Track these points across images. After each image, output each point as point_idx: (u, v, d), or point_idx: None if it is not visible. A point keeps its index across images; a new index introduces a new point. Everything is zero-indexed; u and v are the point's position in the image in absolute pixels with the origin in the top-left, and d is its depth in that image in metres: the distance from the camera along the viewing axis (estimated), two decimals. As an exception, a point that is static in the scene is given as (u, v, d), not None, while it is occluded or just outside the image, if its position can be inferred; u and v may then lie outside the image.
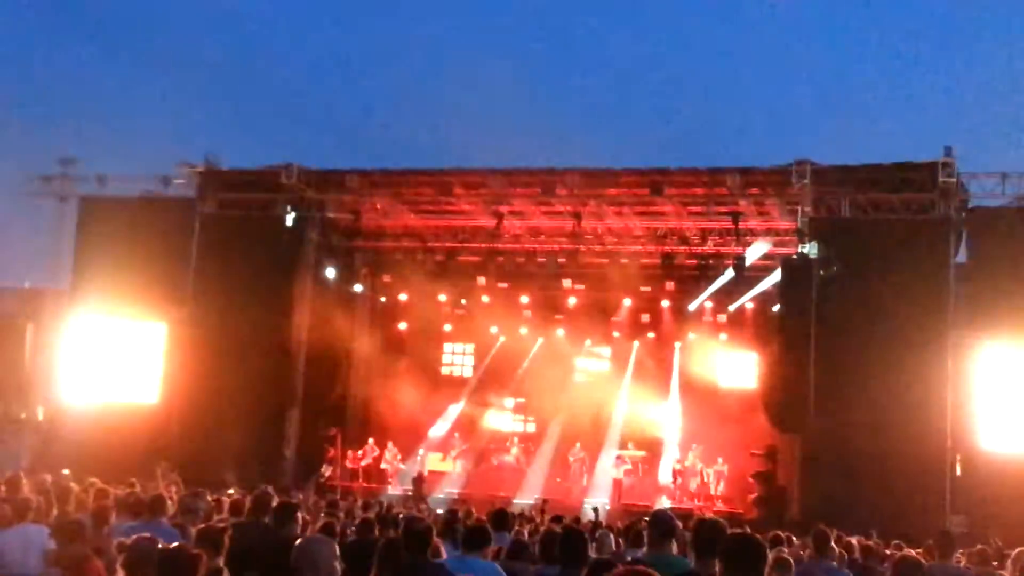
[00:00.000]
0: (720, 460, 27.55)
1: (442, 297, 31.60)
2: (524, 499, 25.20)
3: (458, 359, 34.19)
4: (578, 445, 28.90)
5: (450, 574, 7.01)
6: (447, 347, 34.14)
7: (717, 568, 5.73)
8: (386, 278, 31.46)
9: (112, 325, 28.63)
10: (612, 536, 11.64)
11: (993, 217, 24.29)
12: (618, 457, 28.36)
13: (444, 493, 26.86)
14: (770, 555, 6.09)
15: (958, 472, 23.04)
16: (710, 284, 28.21)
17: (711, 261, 27.95)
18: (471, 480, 28.62)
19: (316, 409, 28.93)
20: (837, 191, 24.96)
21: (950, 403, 23.06)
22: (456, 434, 30.36)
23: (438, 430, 30.72)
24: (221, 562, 7.11)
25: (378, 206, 29.09)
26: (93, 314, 28.61)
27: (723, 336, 30.31)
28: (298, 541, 7.30)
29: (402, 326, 32.77)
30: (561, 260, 28.75)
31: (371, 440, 30.10)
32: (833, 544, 10.82)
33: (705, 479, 27.61)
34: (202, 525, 8.24)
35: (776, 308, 26.03)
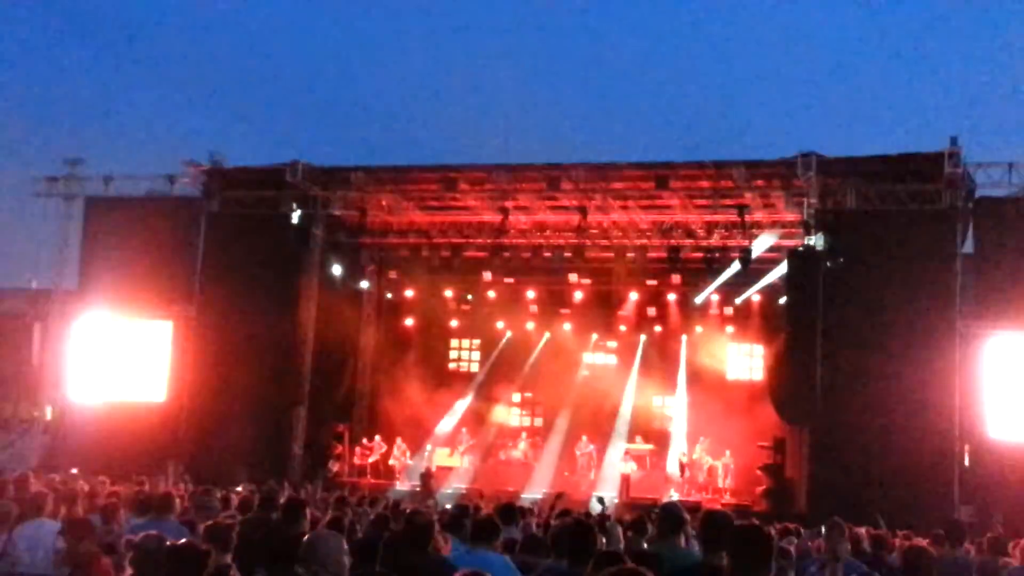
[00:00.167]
0: (728, 453, 27.53)
1: (448, 293, 31.61)
2: (532, 493, 25.20)
3: (465, 354, 34.19)
4: (584, 439, 28.89)
5: (452, 569, 7.00)
6: (454, 343, 34.15)
7: (724, 560, 5.72)
8: (392, 274, 31.48)
9: (119, 324, 28.71)
10: (620, 528, 11.63)
11: (1000, 207, 24.25)
12: (625, 451, 28.35)
13: (452, 488, 26.87)
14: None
15: (966, 462, 23.02)
16: (716, 277, 28.16)
17: (717, 254, 27.88)
18: (479, 475, 28.62)
19: (323, 406, 28.95)
20: (843, 183, 24.91)
21: (958, 393, 23.04)
22: (463, 429, 30.36)
23: (445, 426, 30.72)
24: (229, 558, 7.13)
25: (383, 203, 29.09)
26: (100, 313, 28.69)
27: (730, 329, 30.28)
28: (306, 536, 7.31)
29: (408, 322, 32.78)
30: (567, 255, 28.71)
31: (378, 436, 30.12)
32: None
33: (713, 472, 27.58)
34: (210, 522, 8.26)
35: (783, 300, 25.99)
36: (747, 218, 26.20)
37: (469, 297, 31.50)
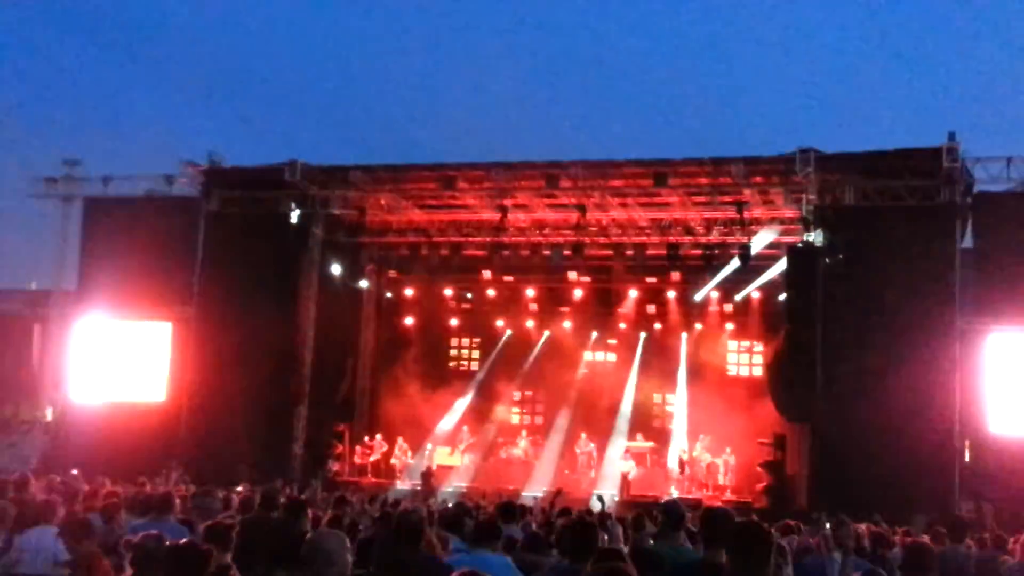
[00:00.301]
0: (728, 450, 27.53)
1: (448, 292, 31.62)
2: (533, 492, 25.20)
3: (465, 353, 34.20)
4: (584, 436, 28.87)
5: (444, 567, 7.00)
6: (453, 341, 34.16)
7: (724, 557, 5.73)
8: (391, 274, 31.49)
9: (119, 325, 28.71)
10: (620, 526, 11.64)
11: (999, 202, 24.24)
12: (626, 448, 28.35)
13: (453, 487, 26.88)
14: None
15: (967, 458, 23.02)
16: (716, 274, 28.17)
17: (716, 251, 27.87)
18: (479, 474, 28.63)
19: (323, 405, 28.97)
20: (842, 179, 24.89)
21: (958, 389, 23.04)
22: (464, 428, 30.36)
23: (446, 424, 30.71)
24: (229, 558, 7.13)
25: (382, 202, 29.08)
26: (100, 314, 28.69)
27: (729, 326, 30.30)
28: (308, 535, 7.31)
29: (408, 321, 32.80)
30: (566, 252, 28.70)
31: (379, 435, 30.14)
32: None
33: (713, 469, 27.59)
34: (210, 521, 8.27)
35: (782, 297, 26.00)
36: (746, 215, 26.19)
37: (468, 296, 31.53)
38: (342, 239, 29.79)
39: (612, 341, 32.26)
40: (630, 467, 27.35)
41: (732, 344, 31.10)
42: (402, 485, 27.39)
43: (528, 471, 28.18)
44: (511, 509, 11.23)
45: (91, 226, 29.68)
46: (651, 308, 30.50)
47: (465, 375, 33.17)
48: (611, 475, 27.56)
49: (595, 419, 29.76)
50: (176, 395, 27.77)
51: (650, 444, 28.82)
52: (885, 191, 24.64)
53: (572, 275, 29.51)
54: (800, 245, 25.13)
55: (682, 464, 27.89)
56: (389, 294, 32.28)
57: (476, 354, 33.86)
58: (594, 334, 32.01)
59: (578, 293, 30.36)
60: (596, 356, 32.49)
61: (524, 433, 30.44)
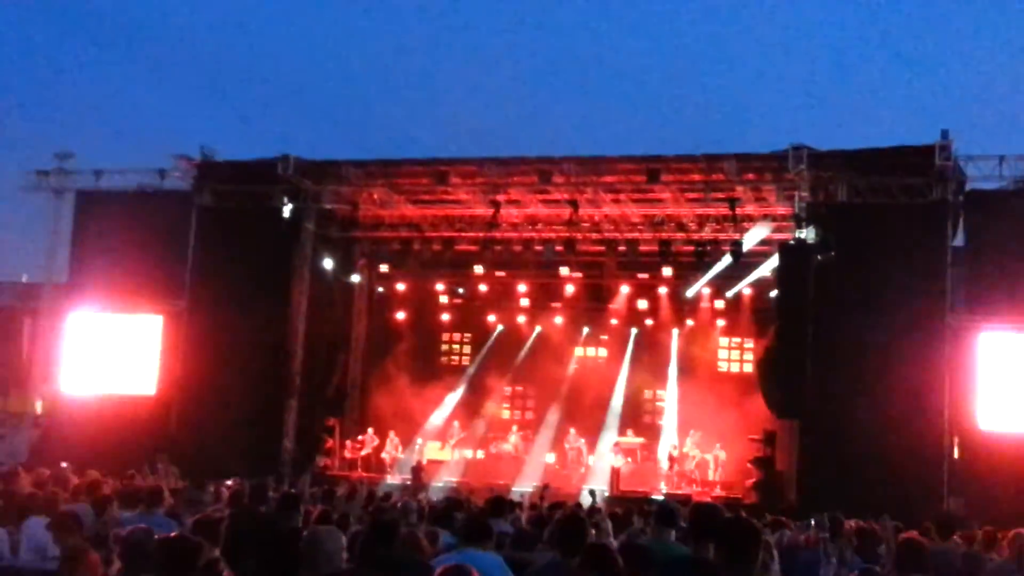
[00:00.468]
0: (718, 446, 27.59)
1: (440, 286, 31.61)
2: (523, 487, 25.21)
3: (456, 348, 34.19)
4: (573, 432, 28.90)
5: (422, 565, 7.01)
6: (445, 336, 34.15)
7: (712, 552, 5.75)
8: (383, 268, 31.44)
9: (110, 318, 28.66)
10: (610, 521, 11.67)
11: (991, 200, 24.30)
12: (616, 444, 28.39)
13: (443, 482, 26.88)
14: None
15: (956, 455, 23.09)
16: (708, 270, 28.21)
17: (708, 247, 27.90)
18: (469, 469, 28.64)
19: (314, 399, 28.97)
20: (834, 176, 24.90)
21: (948, 386, 23.10)
22: (455, 423, 30.38)
23: (436, 419, 30.72)
24: (217, 552, 7.12)
25: (375, 197, 29.06)
26: (91, 307, 28.63)
27: (721, 322, 30.33)
28: (306, 531, 7.31)
29: (400, 316, 32.78)
30: (558, 248, 28.72)
31: (371, 430, 30.14)
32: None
33: (703, 465, 27.63)
34: (199, 515, 8.26)
35: (774, 293, 26.03)
36: (738, 211, 26.22)
37: (460, 291, 31.52)
38: (334, 233, 29.78)
39: (603, 337, 32.29)
40: (620, 462, 27.39)
41: (723, 340, 31.14)
42: (392, 479, 27.39)
43: (518, 466, 28.19)
44: (501, 504, 11.24)
45: (83, 219, 29.61)
46: (643, 304, 30.52)
47: (456, 370, 33.18)
48: (601, 470, 27.60)
49: (585, 414, 29.79)
50: (167, 389, 27.74)
51: (640, 440, 28.87)
52: (877, 188, 24.66)
53: (564, 271, 29.51)
54: (792, 242, 25.16)
55: (672, 460, 27.94)
56: (381, 289, 32.27)
57: (467, 349, 33.87)
58: (585, 330, 32.04)
59: (570, 289, 30.37)
60: (587, 352, 32.52)
61: (514, 428, 30.45)
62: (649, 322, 31.00)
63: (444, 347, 34.27)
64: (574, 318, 31.42)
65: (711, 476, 27.52)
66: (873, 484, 21.37)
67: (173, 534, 6.66)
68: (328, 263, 29.13)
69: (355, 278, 31.07)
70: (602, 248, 29.00)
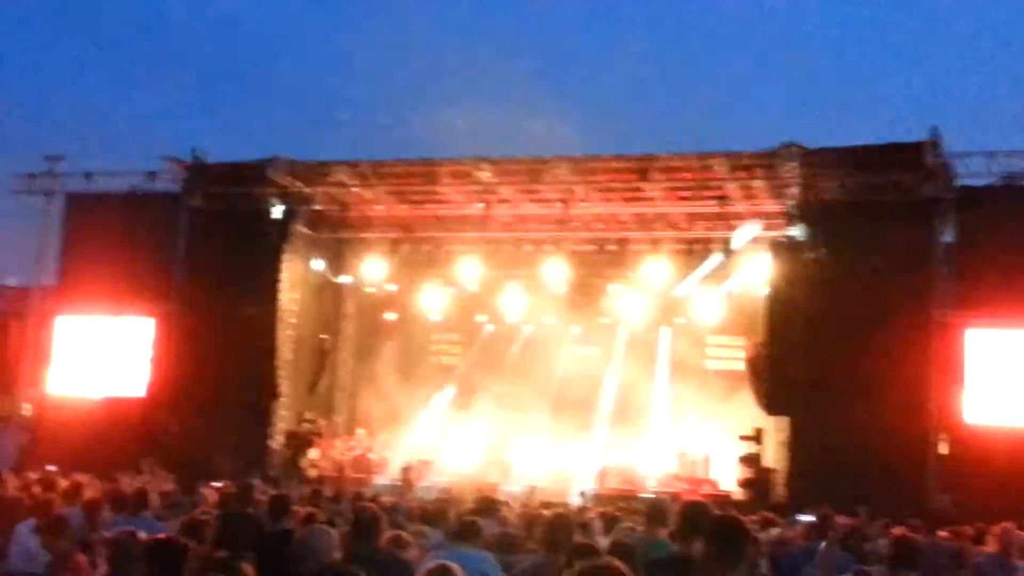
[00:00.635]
0: (707, 443, 27.58)
1: (430, 286, 31.55)
2: (512, 486, 25.18)
3: (446, 348, 34.11)
4: (565, 431, 28.88)
5: (402, 563, 7.02)
6: (435, 336, 34.06)
7: (701, 550, 5.75)
8: (373, 268, 31.36)
9: (99, 321, 28.62)
10: (599, 521, 11.67)
11: (981, 196, 24.31)
12: (606, 442, 28.37)
13: (432, 482, 26.83)
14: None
15: (944, 451, 23.16)
16: (698, 268, 28.22)
17: (699, 245, 27.95)
18: (459, 469, 28.60)
19: (304, 400, 28.96)
20: (825, 173, 24.94)
21: (936, 383, 23.16)
22: (445, 422, 30.34)
23: (426, 419, 30.69)
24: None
25: (365, 197, 29.05)
26: (80, 311, 28.59)
27: (711, 320, 30.27)
28: (298, 533, 7.31)
29: (390, 316, 32.73)
30: (549, 247, 28.73)
31: (360, 430, 30.10)
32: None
33: (692, 462, 27.62)
34: (185, 517, 8.25)
35: (764, 291, 26.05)
36: (729, 209, 26.26)
37: (450, 290, 31.44)
38: (324, 234, 29.78)
39: (593, 335, 32.21)
40: (611, 459, 27.40)
41: (713, 338, 31.10)
42: (381, 480, 27.34)
43: (508, 466, 28.16)
44: (489, 504, 11.26)
45: (72, 222, 29.60)
46: (632, 302, 30.47)
47: (446, 370, 33.12)
48: (590, 469, 27.58)
49: (575, 413, 29.74)
50: (157, 391, 27.71)
51: (630, 438, 28.81)
52: (868, 186, 24.70)
53: (554, 269, 29.47)
54: (783, 239, 25.18)
55: (663, 457, 27.93)
56: (371, 289, 32.19)
57: (457, 349, 33.81)
58: (575, 328, 31.98)
59: (560, 287, 30.28)
60: (577, 350, 32.46)
61: (504, 428, 30.39)
62: (639, 320, 30.94)
63: (434, 347, 34.19)
64: (564, 317, 31.36)
65: (700, 474, 27.51)
66: (861, 481, 21.41)
67: (161, 536, 6.64)
68: (318, 264, 29.09)
69: (345, 278, 31.05)
70: (593, 247, 29.02)
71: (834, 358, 23.50)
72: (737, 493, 25.48)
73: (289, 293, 28.06)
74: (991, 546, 10.60)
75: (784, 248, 24.92)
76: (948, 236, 24.56)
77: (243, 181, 28.53)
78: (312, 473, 27.48)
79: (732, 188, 26.19)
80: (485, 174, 26.83)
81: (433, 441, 29.89)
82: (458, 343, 33.75)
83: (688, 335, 30.38)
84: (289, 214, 27.82)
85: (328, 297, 30.68)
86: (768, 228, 26.61)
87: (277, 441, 27.77)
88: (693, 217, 27.88)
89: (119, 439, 25.85)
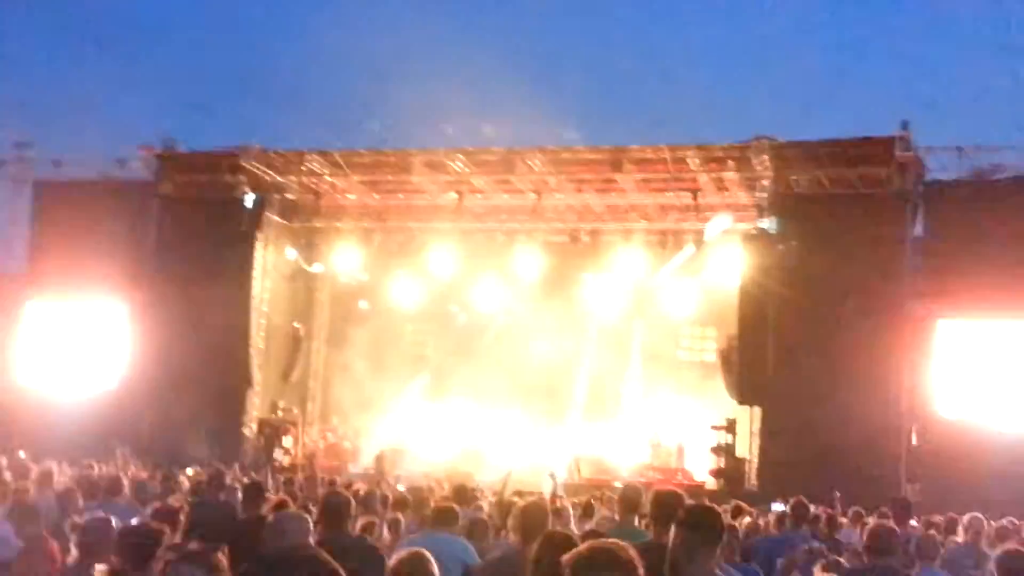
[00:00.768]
0: (680, 433, 27.67)
1: (403, 276, 31.48)
2: (486, 474, 25.19)
3: (419, 337, 34.08)
4: (537, 420, 28.92)
5: (371, 548, 7.04)
6: (409, 326, 34.00)
7: (673, 538, 5.75)
8: (346, 258, 31.28)
9: (70, 308, 28.45)
10: (572, 509, 11.70)
11: (950, 190, 24.54)
12: (578, 431, 28.44)
13: (406, 470, 26.81)
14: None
15: (914, 442, 23.35)
16: (670, 260, 28.31)
17: (671, 237, 28.05)
18: (433, 457, 28.59)
19: (277, 388, 28.87)
20: (796, 166, 25.13)
21: (906, 374, 23.37)
22: (418, 411, 30.32)
23: (399, 408, 30.66)
24: (178, 540, 7.10)
25: (338, 186, 28.97)
26: (50, 298, 28.39)
27: (683, 311, 30.35)
28: (270, 518, 7.29)
29: (363, 305, 32.65)
30: (522, 237, 28.76)
31: (335, 419, 30.07)
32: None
33: (665, 452, 27.71)
34: (157, 504, 8.23)
35: (736, 282, 26.15)
36: (701, 201, 26.36)
37: (423, 280, 31.38)
38: (297, 223, 29.70)
39: (566, 326, 32.24)
40: (584, 449, 27.46)
41: (685, 329, 31.21)
42: (354, 468, 27.31)
43: (481, 454, 28.18)
44: (464, 492, 11.27)
45: (42, 209, 29.39)
46: (606, 292, 30.52)
47: (419, 359, 33.09)
48: (563, 458, 27.61)
49: (548, 402, 29.78)
50: (128, 379, 27.56)
51: (603, 427, 28.87)
52: (839, 179, 24.91)
53: (528, 260, 29.49)
54: (754, 231, 25.30)
55: (635, 447, 28.01)
56: (344, 278, 32.11)
57: (430, 339, 33.77)
58: (548, 319, 31.99)
59: (533, 278, 30.29)
60: (551, 340, 32.46)
61: (478, 417, 30.40)
62: (612, 310, 30.99)
63: (407, 337, 34.15)
64: (537, 307, 31.36)
65: (673, 463, 27.60)
66: (833, 471, 21.54)
67: (134, 521, 6.61)
68: (291, 253, 29.00)
69: (318, 267, 30.97)
70: (566, 239, 29.07)
71: (806, 349, 23.68)
72: (710, 483, 25.60)
73: (262, 282, 27.99)
74: (961, 536, 10.70)
75: (756, 240, 25.05)
76: (918, 229, 24.77)
77: (215, 169, 28.43)
78: (286, 461, 27.42)
79: (704, 180, 26.30)
80: (458, 164, 26.84)
81: (406, 430, 29.87)
82: (431, 333, 33.72)
83: (661, 326, 30.47)
84: (261, 203, 27.72)
85: (301, 286, 30.62)
86: (740, 220, 26.75)
87: (251, 429, 27.69)
88: (665, 209, 27.99)
89: (90, 426, 25.68)
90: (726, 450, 25.86)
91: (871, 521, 11.20)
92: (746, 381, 24.79)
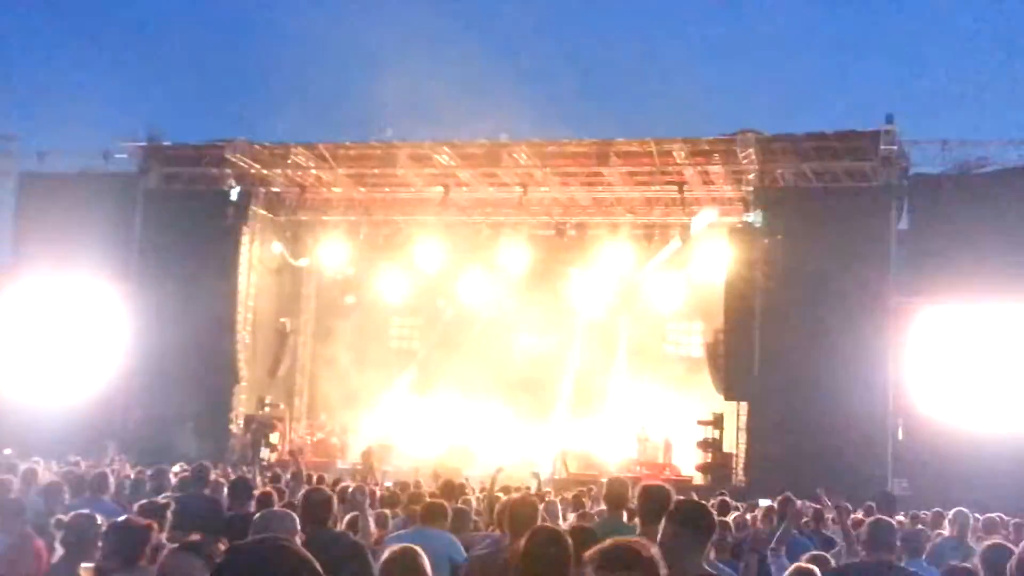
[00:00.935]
0: (667, 428, 27.69)
1: (389, 270, 31.42)
2: (474, 470, 25.16)
3: (406, 332, 34.03)
4: (524, 415, 28.90)
5: (354, 544, 7.02)
6: (395, 320, 33.97)
7: (660, 532, 5.74)
8: (333, 251, 31.22)
9: (54, 302, 28.28)
10: (560, 505, 11.70)
11: (934, 184, 24.63)
12: (566, 427, 28.44)
13: (393, 466, 26.77)
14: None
15: (900, 436, 23.42)
16: (656, 253, 28.31)
17: (657, 230, 28.06)
18: (421, 453, 28.55)
19: (263, 383, 28.79)
20: (781, 160, 25.20)
21: (892, 368, 23.43)
22: (405, 406, 30.28)
23: (387, 403, 30.61)
24: (164, 537, 7.06)
25: (324, 179, 28.90)
26: (34, 292, 28.23)
27: (669, 305, 30.37)
28: (257, 515, 7.26)
29: (350, 299, 32.58)
30: (508, 231, 28.75)
31: (323, 415, 30.03)
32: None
33: (652, 447, 27.74)
34: (144, 500, 8.18)
35: (722, 276, 26.18)
36: (687, 194, 26.38)
37: (410, 274, 31.34)
38: (283, 216, 29.63)
39: (553, 320, 32.22)
40: (571, 444, 27.46)
41: (671, 323, 31.23)
42: (342, 464, 27.26)
43: (468, 450, 28.15)
44: (451, 488, 11.26)
45: (26, 201, 29.21)
46: (592, 287, 30.51)
47: (406, 354, 33.05)
48: (551, 454, 27.61)
49: (535, 398, 29.77)
50: (114, 373, 27.43)
51: (590, 422, 28.88)
52: (824, 172, 25.00)
53: (514, 253, 29.47)
54: (740, 225, 25.34)
55: (623, 442, 28.02)
56: (330, 272, 32.04)
57: (417, 333, 33.73)
58: (535, 313, 31.97)
59: (519, 272, 30.27)
60: (537, 334, 32.45)
61: (465, 412, 30.37)
62: (598, 305, 30.99)
63: (394, 331, 34.11)
64: (524, 301, 31.35)
65: (660, 458, 27.63)
66: (819, 465, 21.60)
67: (123, 517, 6.57)
68: (277, 247, 28.93)
69: (304, 261, 30.89)
70: (552, 231, 29.05)
71: (792, 343, 23.72)
72: (697, 478, 25.63)
73: (248, 276, 27.92)
74: (947, 530, 10.74)
75: (742, 234, 25.10)
76: (903, 223, 24.85)
77: (201, 162, 28.33)
78: (273, 457, 27.35)
79: (690, 174, 26.33)
80: (444, 157, 26.81)
81: (394, 425, 29.83)
82: (417, 327, 33.68)
83: (647, 320, 30.47)
84: (246, 196, 27.64)
85: (287, 280, 30.56)
86: (725, 214, 26.77)
87: (238, 425, 27.62)
88: (651, 202, 28.01)
89: (76, 422, 25.56)
90: (713, 445, 25.90)
91: (859, 515, 11.23)
92: (733, 376, 24.85)
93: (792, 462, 21.94)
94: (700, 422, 26.50)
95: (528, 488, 14.93)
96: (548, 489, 16.98)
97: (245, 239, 27.62)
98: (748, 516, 12.57)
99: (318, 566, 2.67)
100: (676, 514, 5.52)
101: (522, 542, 5.78)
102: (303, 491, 8.09)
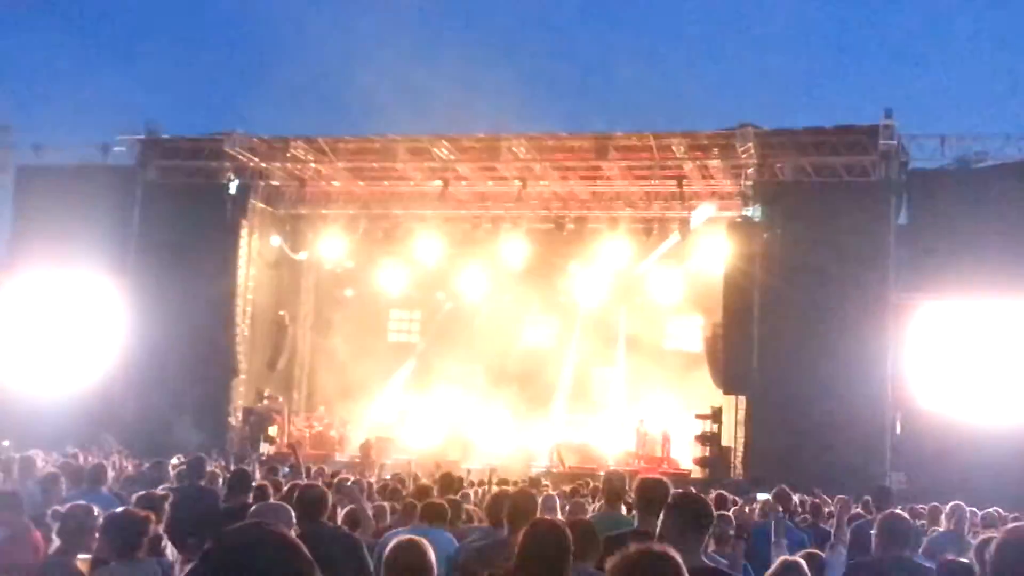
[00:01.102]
0: (666, 421, 27.70)
1: (388, 263, 31.43)
2: (472, 464, 25.17)
3: (405, 325, 34.04)
4: (524, 409, 28.91)
5: (350, 539, 7.03)
6: (394, 313, 33.98)
7: (659, 525, 5.74)
8: (332, 245, 31.22)
9: (52, 295, 28.25)
10: (558, 498, 11.70)
11: (933, 179, 24.64)
12: (564, 420, 28.44)
13: (392, 459, 26.77)
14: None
15: (898, 430, 23.43)
16: (655, 247, 28.32)
17: (656, 224, 28.06)
18: (419, 446, 28.55)
19: (262, 376, 28.78)
20: (780, 154, 25.18)
21: (891, 362, 23.44)
22: (404, 400, 30.28)
23: (385, 396, 30.61)
24: (161, 529, 7.05)
25: (323, 173, 28.89)
26: (32, 285, 28.21)
27: (668, 299, 30.37)
28: (253, 507, 7.26)
29: (348, 292, 32.59)
30: (507, 224, 28.74)
31: (322, 408, 30.03)
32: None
33: (651, 440, 27.75)
34: (141, 492, 8.18)
35: (721, 270, 26.18)
36: (686, 189, 26.37)
37: (409, 267, 31.35)
38: (282, 210, 29.62)
39: (552, 313, 32.24)
40: (570, 437, 27.47)
41: (670, 317, 31.23)
42: (340, 457, 27.26)
43: (467, 442, 28.15)
44: (450, 481, 11.28)
45: (23, 195, 29.17)
46: (590, 280, 30.51)
47: (405, 347, 33.06)
48: (549, 447, 27.63)
49: (534, 391, 29.79)
50: (112, 366, 27.42)
51: (589, 416, 28.92)
52: (823, 167, 24.99)
53: (513, 247, 29.47)
54: (739, 219, 25.34)
55: (621, 436, 28.04)
56: (329, 265, 32.03)
57: (416, 326, 33.74)
58: (534, 306, 31.98)
59: (518, 265, 30.27)
60: (536, 328, 32.47)
61: (464, 405, 30.36)
62: (597, 299, 30.99)
63: (393, 324, 34.12)
64: (523, 295, 31.34)
65: (659, 451, 27.65)
66: (817, 459, 21.68)
67: (121, 509, 6.56)
68: (276, 240, 28.91)
69: (303, 255, 30.88)
70: (551, 225, 29.05)
71: (790, 337, 23.74)
72: (695, 471, 25.64)
73: (247, 269, 27.90)
74: (944, 524, 10.74)
75: (740, 228, 25.10)
76: (902, 217, 24.85)
77: (199, 155, 28.31)
78: (271, 450, 27.34)
79: (689, 168, 26.32)
80: (443, 151, 26.79)
81: (392, 418, 29.83)
82: (416, 320, 33.70)
83: (646, 314, 30.47)
84: (245, 189, 27.62)
85: (286, 273, 30.55)
86: (724, 208, 26.78)
87: (236, 418, 27.62)
88: (650, 196, 28.00)
89: (75, 414, 25.55)
90: (711, 439, 25.90)
91: (856, 510, 11.23)
92: (731, 370, 24.84)
93: (790, 456, 21.97)
94: (699, 416, 26.49)
95: (526, 481, 14.95)
96: (547, 483, 16.97)
97: (244, 232, 27.60)
98: (747, 510, 12.56)
99: (306, 551, 2.64)
100: (674, 506, 5.53)
101: (520, 535, 5.78)
102: (297, 490, 8.09)
